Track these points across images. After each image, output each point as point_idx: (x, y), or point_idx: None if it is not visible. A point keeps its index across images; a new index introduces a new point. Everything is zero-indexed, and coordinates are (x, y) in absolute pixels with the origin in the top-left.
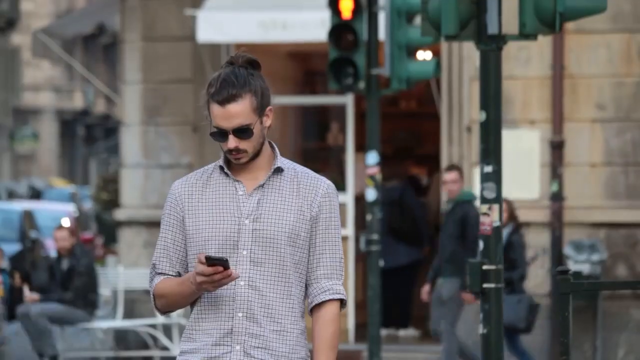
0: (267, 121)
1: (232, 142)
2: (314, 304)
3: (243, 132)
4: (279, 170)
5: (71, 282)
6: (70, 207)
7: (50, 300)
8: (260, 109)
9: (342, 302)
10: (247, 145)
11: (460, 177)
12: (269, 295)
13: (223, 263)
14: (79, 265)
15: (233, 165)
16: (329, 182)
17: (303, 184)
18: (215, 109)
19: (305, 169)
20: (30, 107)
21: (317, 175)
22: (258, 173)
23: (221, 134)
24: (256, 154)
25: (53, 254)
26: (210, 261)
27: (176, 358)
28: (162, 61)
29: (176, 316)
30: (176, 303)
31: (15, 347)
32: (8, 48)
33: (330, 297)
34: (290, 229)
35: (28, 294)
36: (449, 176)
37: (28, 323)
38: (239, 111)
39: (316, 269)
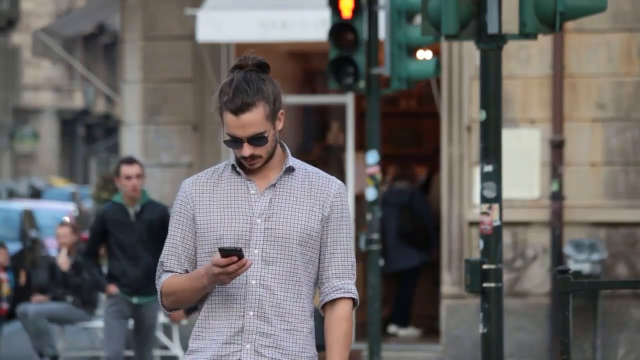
0: (279, 125)
1: (246, 150)
2: (325, 301)
3: (258, 139)
4: (290, 170)
5: (72, 279)
6: (71, 207)
7: (53, 299)
8: (273, 115)
9: (354, 302)
10: (261, 151)
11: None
12: (280, 294)
13: (237, 253)
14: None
15: None
16: (340, 182)
17: (315, 184)
18: (229, 118)
19: (315, 169)
20: (31, 107)
21: (328, 175)
22: (270, 172)
23: (235, 142)
24: (269, 157)
25: (53, 253)
26: (225, 252)
27: (185, 357)
28: (162, 60)
29: None
30: (185, 299)
31: (15, 346)
32: (8, 47)
33: (342, 295)
34: (302, 229)
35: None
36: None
37: (27, 322)
38: (252, 120)
39: (327, 269)
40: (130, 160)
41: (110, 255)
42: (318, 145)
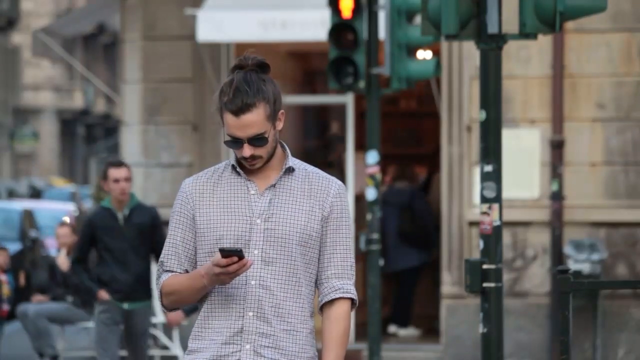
0: (280, 125)
1: (247, 150)
2: (324, 302)
3: (258, 140)
4: (290, 170)
5: (71, 279)
6: (71, 207)
7: (53, 299)
8: (273, 116)
9: (353, 302)
10: (261, 152)
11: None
12: (280, 294)
13: (238, 253)
14: None
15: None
16: (339, 182)
17: (314, 184)
18: (229, 118)
19: (315, 169)
20: (31, 107)
21: (328, 176)
22: (270, 173)
23: (236, 142)
24: (269, 157)
25: (53, 253)
26: (225, 252)
27: (184, 357)
28: (162, 60)
29: None
30: (185, 299)
31: (15, 346)
32: (8, 47)
33: (341, 295)
34: (302, 229)
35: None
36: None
37: (27, 323)
38: (253, 121)
39: (327, 269)
40: (118, 163)
41: (99, 261)
42: (339, 146)
